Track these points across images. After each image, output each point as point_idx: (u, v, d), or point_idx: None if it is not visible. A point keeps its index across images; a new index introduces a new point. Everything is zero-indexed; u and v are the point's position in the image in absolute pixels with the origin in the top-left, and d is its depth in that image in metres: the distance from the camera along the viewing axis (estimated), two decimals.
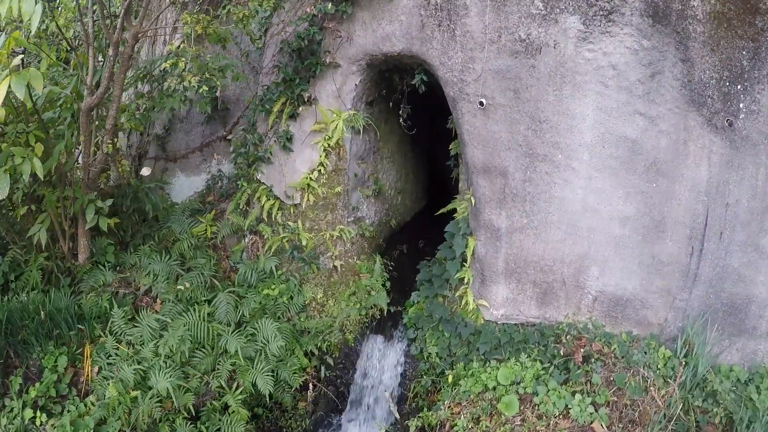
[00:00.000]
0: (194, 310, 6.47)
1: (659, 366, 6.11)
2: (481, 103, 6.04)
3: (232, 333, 6.42)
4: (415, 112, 7.92)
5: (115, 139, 7.78)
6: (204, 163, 9.35)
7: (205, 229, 8.05)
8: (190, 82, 6.64)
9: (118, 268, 7.14)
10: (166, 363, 6.03)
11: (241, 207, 7.93)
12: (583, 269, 6.25)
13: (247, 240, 7.94)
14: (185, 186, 9.21)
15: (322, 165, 7.42)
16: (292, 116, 7.36)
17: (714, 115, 5.66)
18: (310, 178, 7.42)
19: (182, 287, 6.87)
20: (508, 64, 5.90)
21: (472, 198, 6.53)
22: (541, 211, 6.17)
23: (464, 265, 6.84)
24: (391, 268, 8.23)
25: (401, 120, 7.63)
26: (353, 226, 7.99)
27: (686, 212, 5.92)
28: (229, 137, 8.93)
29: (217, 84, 7.50)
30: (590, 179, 5.95)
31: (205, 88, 7.20)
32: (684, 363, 6.06)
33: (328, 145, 7.31)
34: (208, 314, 6.61)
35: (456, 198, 7.67)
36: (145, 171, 8.29)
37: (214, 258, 7.64)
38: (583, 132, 5.84)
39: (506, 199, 6.26)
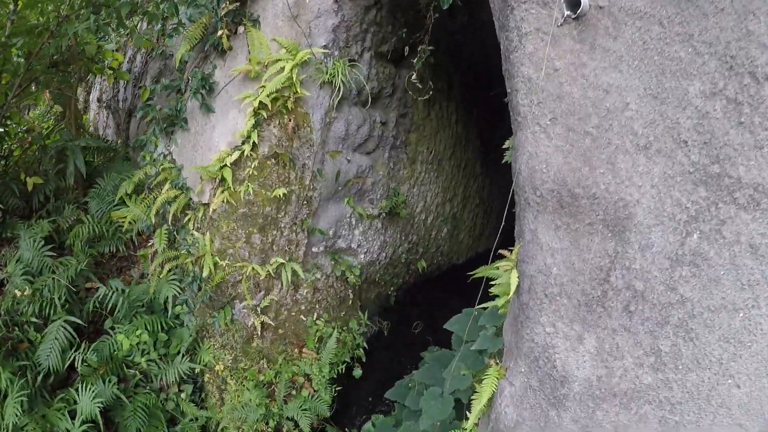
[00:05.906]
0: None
1: None
2: (576, 3, 2.01)
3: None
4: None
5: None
6: None
7: (126, 216, 5.27)
8: None
9: None
10: None
11: (133, 193, 5.02)
12: None
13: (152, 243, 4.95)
14: None
15: (248, 142, 4.02)
16: (217, 47, 4.10)
17: None
18: (227, 162, 4.08)
19: (19, 292, 4.50)
20: None
21: (514, 273, 2.49)
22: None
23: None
24: (366, 346, 4.54)
25: (414, 74, 3.86)
26: (325, 260, 4.47)
27: None
28: None
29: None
30: None
31: None
32: None
33: (259, 105, 3.89)
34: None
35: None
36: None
37: (124, 257, 5.28)
38: None
39: (606, 297, 2.10)
